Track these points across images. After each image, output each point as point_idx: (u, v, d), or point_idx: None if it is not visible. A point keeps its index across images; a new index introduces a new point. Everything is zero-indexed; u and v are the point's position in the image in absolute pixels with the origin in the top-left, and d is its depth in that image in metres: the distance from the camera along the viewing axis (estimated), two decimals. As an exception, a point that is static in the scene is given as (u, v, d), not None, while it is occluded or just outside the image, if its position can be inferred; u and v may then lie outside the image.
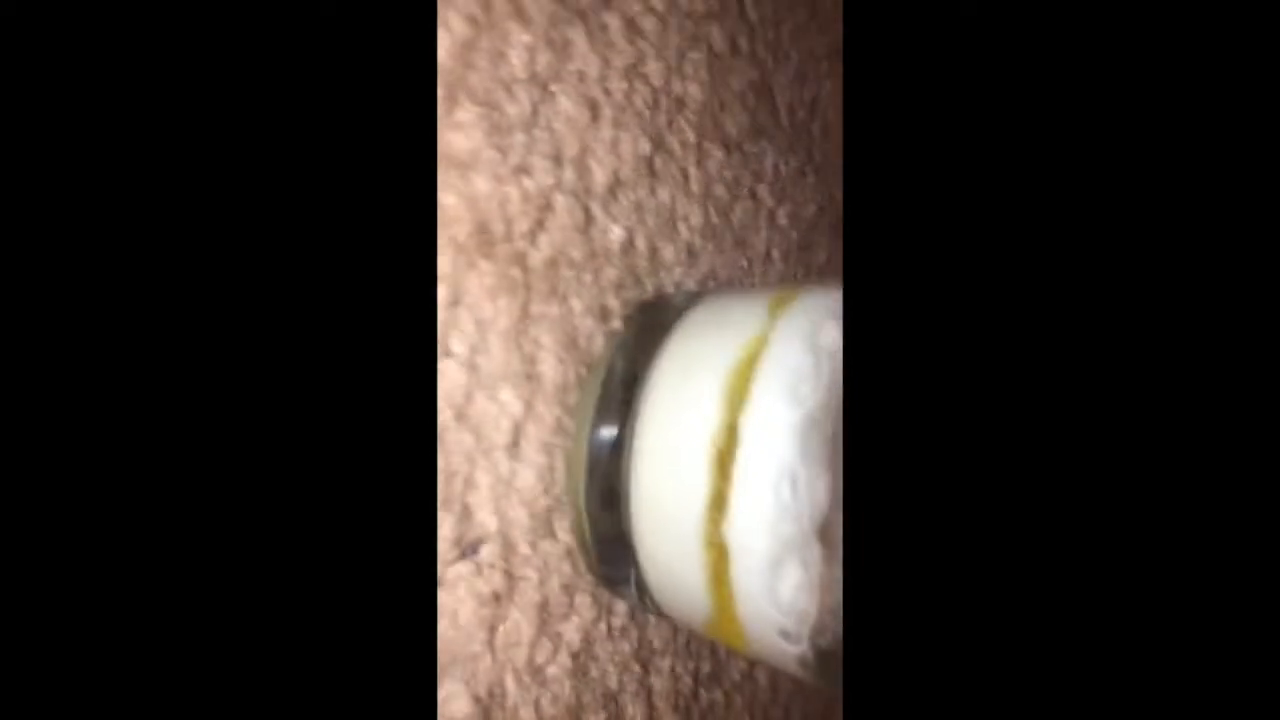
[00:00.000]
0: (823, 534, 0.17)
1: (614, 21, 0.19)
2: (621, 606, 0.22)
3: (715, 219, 0.24)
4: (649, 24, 0.20)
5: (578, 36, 0.18)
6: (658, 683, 0.23)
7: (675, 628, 0.24)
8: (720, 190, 0.24)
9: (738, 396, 0.18)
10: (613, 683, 0.21)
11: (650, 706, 0.23)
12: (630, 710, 0.22)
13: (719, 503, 0.18)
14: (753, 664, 0.29)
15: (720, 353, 0.19)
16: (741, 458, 0.18)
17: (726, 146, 0.24)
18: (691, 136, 0.23)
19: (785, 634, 0.18)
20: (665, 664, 0.23)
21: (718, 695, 0.26)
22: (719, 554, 0.18)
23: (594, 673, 0.21)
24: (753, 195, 0.26)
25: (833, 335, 0.18)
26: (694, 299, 0.21)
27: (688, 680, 0.24)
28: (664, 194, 0.22)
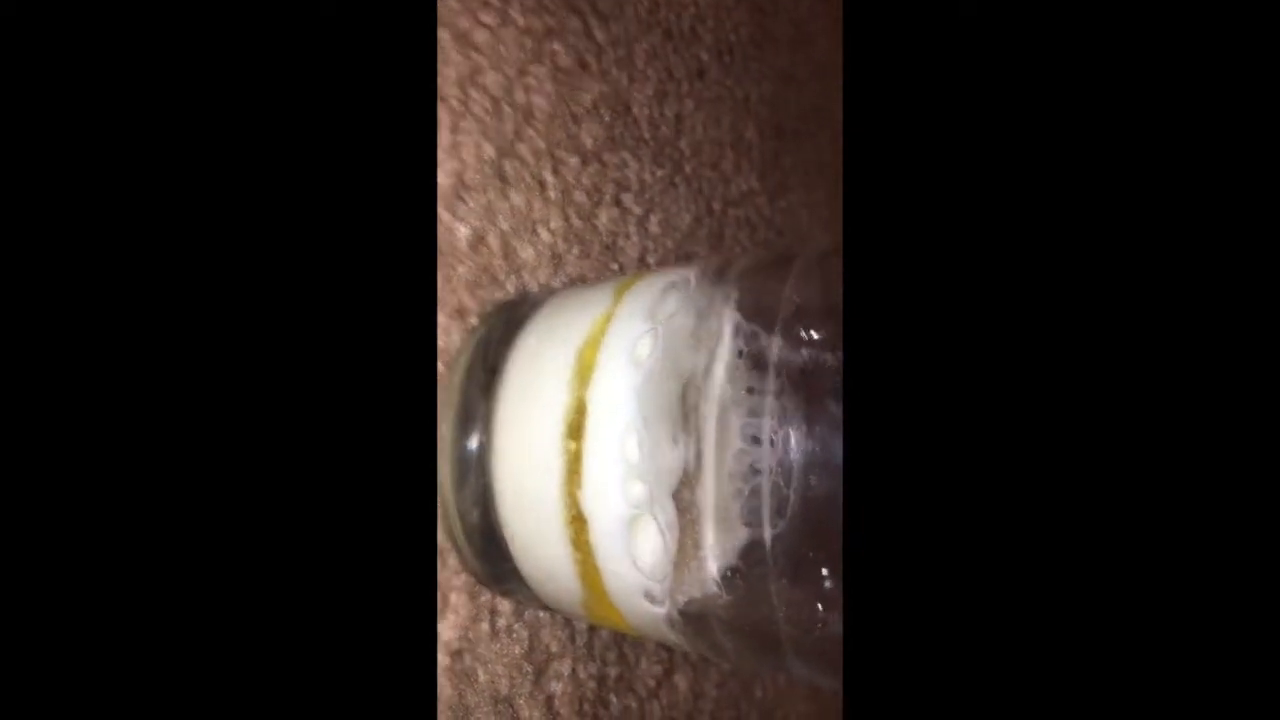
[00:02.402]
0: (676, 496, 0.18)
1: (443, 35, 0.20)
2: (506, 607, 0.22)
3: (578, 223, 0.25)
4: (481, 38, 0.21)
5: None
6: (557, 687, 0.23)
7: (573, 630, 0.24)
8: (581, 197, 0.25)
9: (585, 372, 0.19)
10: (503, 686, 0.21)
11: (551, 712, 0.23)
12: (527, 714, 0.22)
13: (573, 474, 0.18)
14: (669, 669, 0.28)
15: (569, 334, 0.20)
16: (589, 426, 0.18)
17: (582, 156, 0.25)
18: (542, 144, 0.24)
19: (649, 596, 0.18)
20: (564, 668, 0.23)
21: (631, 702, 0.26)
22: (579, 525, 0.18)
23: (481, 675, 0.21)
24: (618, 203, 0.27)
25: (672, 304, 0.19)
26: (549, 294, 0.22)
27: (592, 685, 0.24)
28: (517, 198, 0.23)
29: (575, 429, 0.18)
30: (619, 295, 0.20)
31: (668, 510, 0.17)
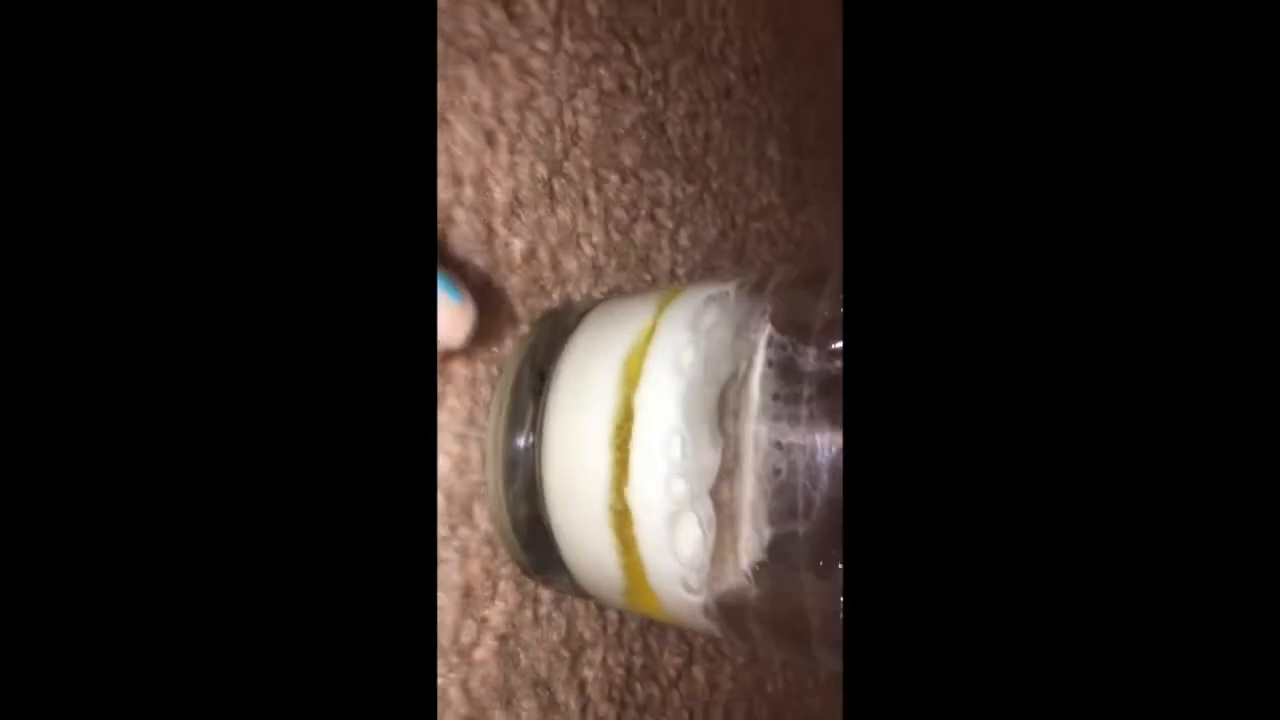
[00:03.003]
0: (714, 493, 0.19)
1: (503, 61, 0.22)
2: (547, 595, 0.23)
3: (616, 237, 0.26)
4: (537, 64, 0.23)
5: (469, 74, 0.21)
6: (589, 673, 0.24)
7: (605, 620, 0.25)
8: (619, 212, 0.27)
9: (633, 378, 0.20)
10: (542, 670, 0.23)
11: (584, 696, 0.24)
12: (563, 697, 0.23)
13: (620, 473, 0.20)
14: (688, 661, 0.30)
15: (616, 343, 0.21)
16: (636, 428, 0.19)
17: (622, 174, 0.27)
18: (588, 164, 0.25)
19: (687, 586, 0.19)
20: (597, 656, 0.25)
21: (654, 690, 0.27)
22: (624, 519, 0.20)
23: (523, 660, 0.22)
24: (652, 218, 0.29)
25: (712, 316, 0.21)
26: (594, 304, 0.23)
27: (620, 672, 0.26)
28: (564, 214, 0.24)
29: (623, 431, 0.20)
30: (661, 308, 0.21)
31: (707, 507, 0.19)
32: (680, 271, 0.30)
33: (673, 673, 0.29)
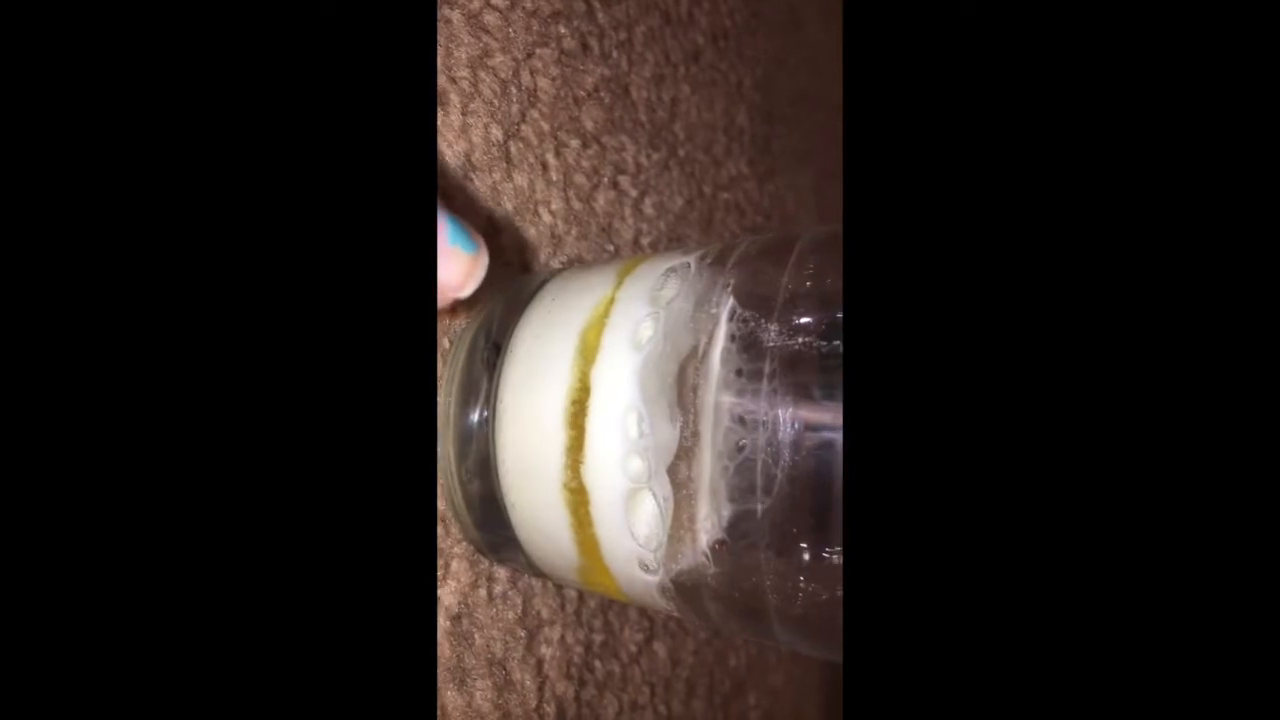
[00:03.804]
0: (672, 471, 0.18)
1: (456, 16, 0.21)
2: (502, 574, 0.23)
3: (577, 205, 0.25)
4: (492, 20, 0.22)
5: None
6: (547, 651, 0.24)
7: (563, 598, 0.25)
8: (580, 179, 0.26)
9: (589, 352, 0.19)
10: (498, 649, 0.22)
11: (541, 674, 0.24)
12: (519, 676, 0.23)
13: (576, 450, 0.19)
14: (650, 637, 0.29)
15: (573, 316, 0.20)
16: (592, 405, 0.19)
17: (583, 138, 0.26)
18: (546, 127, 0.24)
19: (644, 565, 0.19)
20: (555, 634, 0.24)
21: (614, 667, 0.27)
22: (579, 498, 0.19)
23: (478, 639, 0.22)
24: (615, 185, 0.28)
25: (672, 289, 0.20)
26: (553, 274, 0.23)
27: (579, 650, 0.25)
28: (521, 179, 0.23)
29: (578, 407, 0.19)
30: (621, 279, 0.21)
31: (664, 485, 0.18)
32: (645, 241, 0.29)
33: (634, 649, 0.28)
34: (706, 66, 0.35)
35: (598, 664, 0.26)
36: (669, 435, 0.18)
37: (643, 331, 0.19)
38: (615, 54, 0.28)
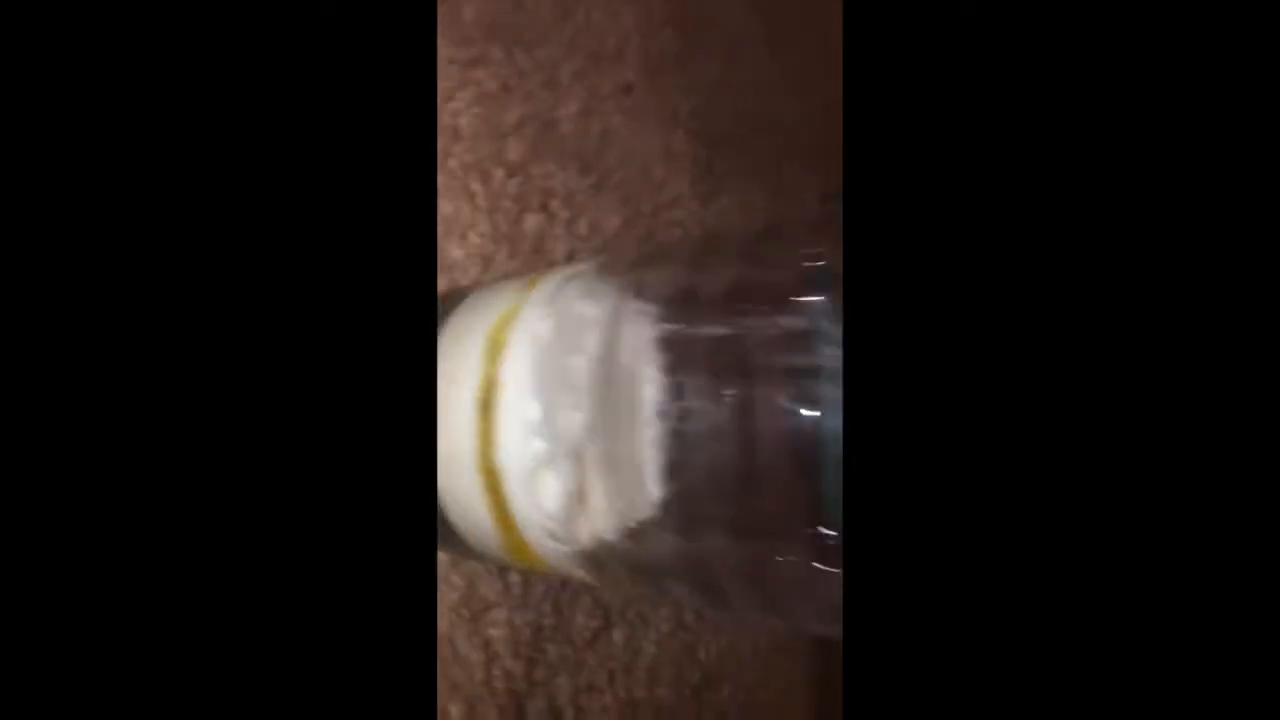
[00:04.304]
0: (576, 454, 0.21)
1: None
2: (443, 559, 0.25)
3: (505, 228, 0.28)
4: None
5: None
6: (494, 632, 0.26)
7: (506, 583, 0.27)
8: (507, 204, 0.29)
9: (496, 349, 0.22)
10: (443, 624, 0.24)
11: (490, 652, 0.26)
12: (466, 650, 0.25)
13: (487, 437, 0.21)
14: (606, 624, 0.31)
15: (485, 318, 0.23)
16: (499, 397, 0.21)
17: (508, 168, 0.29)
18: (470, 158, 0.27)
19: (553, 536, 0.21)
20: (501, 615, 0.26)
21: (567, 650, 0.29)
22: (494, 479, 0.22)
23: (424, 618, 0.24)
24: (544, 209, 0.30)
25: (572, 291, 0.22)
26: (473, 288, 0.25)
27: (527, 632, 0.27)
28: (447, 207, 0.26)
29: (489, 398, 0.22)
30: (530, 286, 0.23)
31: (567, 465, 0.21)
32: (581, 258, 0.32)
33: (588, 635, 0.30)
34: (640, 98, 0.38)
35: (549, 646, 0.28)
36: (568, 420, 0.21)
37: (543, 329, 0.22)
38: (541, 92, 0.31)
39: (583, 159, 0.33)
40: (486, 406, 0.21)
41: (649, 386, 0.20)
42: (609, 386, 0.21)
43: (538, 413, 0.21)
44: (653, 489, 0.20)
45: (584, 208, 0.33)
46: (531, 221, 0.30)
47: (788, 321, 0.19)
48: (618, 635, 0.32)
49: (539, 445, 0.21)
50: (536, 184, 0.30)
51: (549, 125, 0.31)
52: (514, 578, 0.27)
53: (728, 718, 0.35)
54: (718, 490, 0.20)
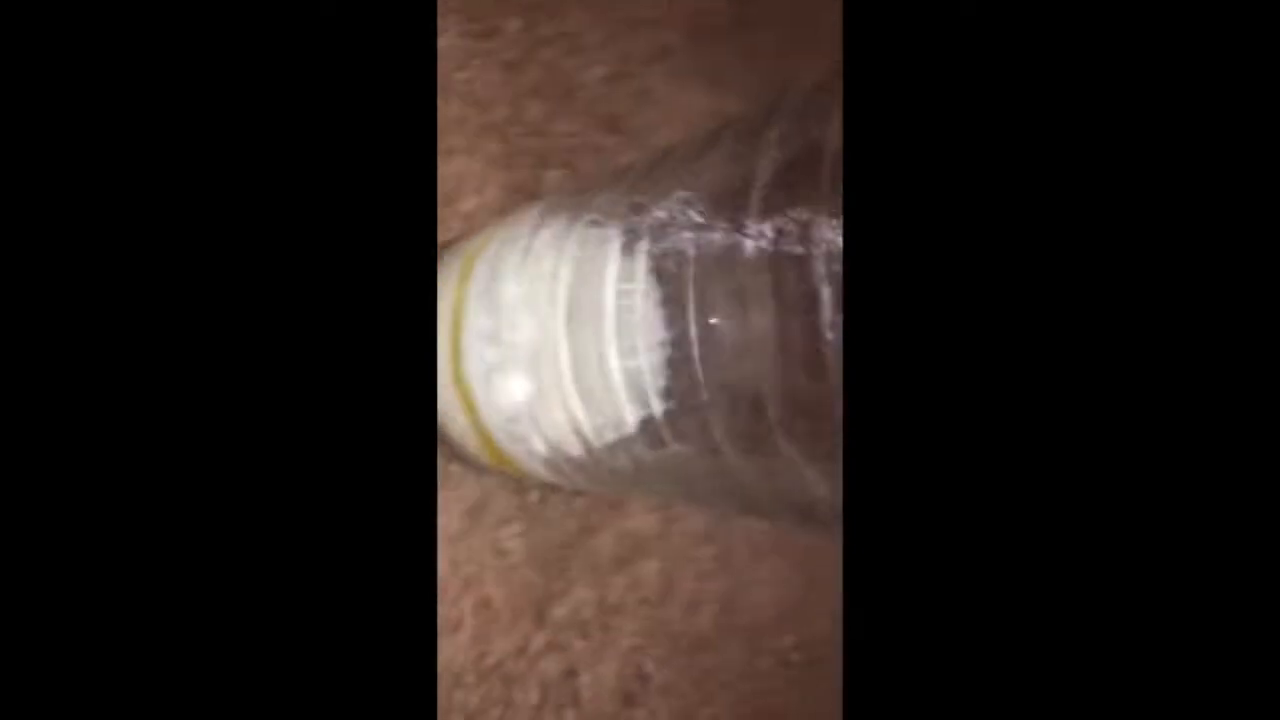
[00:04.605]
0: (532, 365, 0.23)
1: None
2: (455, 469, 0.29)
3: (528, 183, 0.31)
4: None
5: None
6: (513, 543, 0.29)
7: (525, 499, 0.30)
8: (530, 160, 0.32)
9: (465, 273, 0.25)
10: (454, 528, 0.28)
11: (501, 551, 0.29)
12: (481, 556, 0.28)
13: (457, 349, 0.25)
14: (633, 554, 0.34)
15: (466, 249, 0.26)
16: (465, 314, 0.25)
17: (527, 127, 0.32)
18: (487, 120, 0.31)
19: (511, 436, 0.24)
20: (516, 528, 0.30)
21: (590, 571, 0.32)
22: (464, 387, 0.25)
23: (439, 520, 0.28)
24: (569, 165, 0.33)
25: (537, 218, 0.25)
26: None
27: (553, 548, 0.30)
28: (462, 164, 0.30)
29: (458, 318, 0.25)
30: (493, 234, 0.26)
31: (515, 370, 0.23)
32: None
33: (613, 563, 0.33)
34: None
35: (572, 560, 0.31)
36: (524, 330, 0.23)
37: (507, 254, 0.24)
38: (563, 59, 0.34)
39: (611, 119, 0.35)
40: (457, 326, 0.25)
41: (613, 304, 0.22)
42: (570, 305, 0.23)
43: (489, 324, 0.24)
44: (627, 410, 0.22)
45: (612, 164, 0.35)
46: (552, 176, 0.32)
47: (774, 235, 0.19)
48: (650, 566, 0.34)
49: (491, 353, 0.24)
50: (559, 142, 0.33)
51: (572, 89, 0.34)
52: (532, 496, 0.30)
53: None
54: (697, 409, 0.21)
